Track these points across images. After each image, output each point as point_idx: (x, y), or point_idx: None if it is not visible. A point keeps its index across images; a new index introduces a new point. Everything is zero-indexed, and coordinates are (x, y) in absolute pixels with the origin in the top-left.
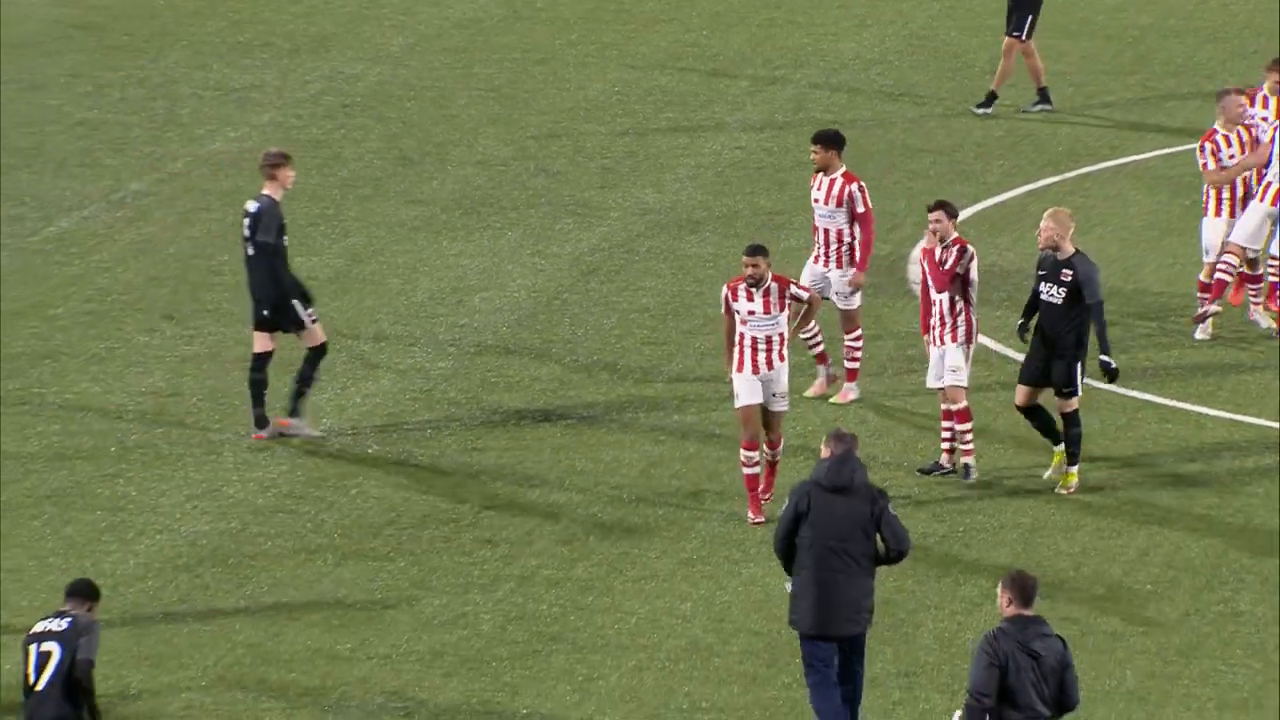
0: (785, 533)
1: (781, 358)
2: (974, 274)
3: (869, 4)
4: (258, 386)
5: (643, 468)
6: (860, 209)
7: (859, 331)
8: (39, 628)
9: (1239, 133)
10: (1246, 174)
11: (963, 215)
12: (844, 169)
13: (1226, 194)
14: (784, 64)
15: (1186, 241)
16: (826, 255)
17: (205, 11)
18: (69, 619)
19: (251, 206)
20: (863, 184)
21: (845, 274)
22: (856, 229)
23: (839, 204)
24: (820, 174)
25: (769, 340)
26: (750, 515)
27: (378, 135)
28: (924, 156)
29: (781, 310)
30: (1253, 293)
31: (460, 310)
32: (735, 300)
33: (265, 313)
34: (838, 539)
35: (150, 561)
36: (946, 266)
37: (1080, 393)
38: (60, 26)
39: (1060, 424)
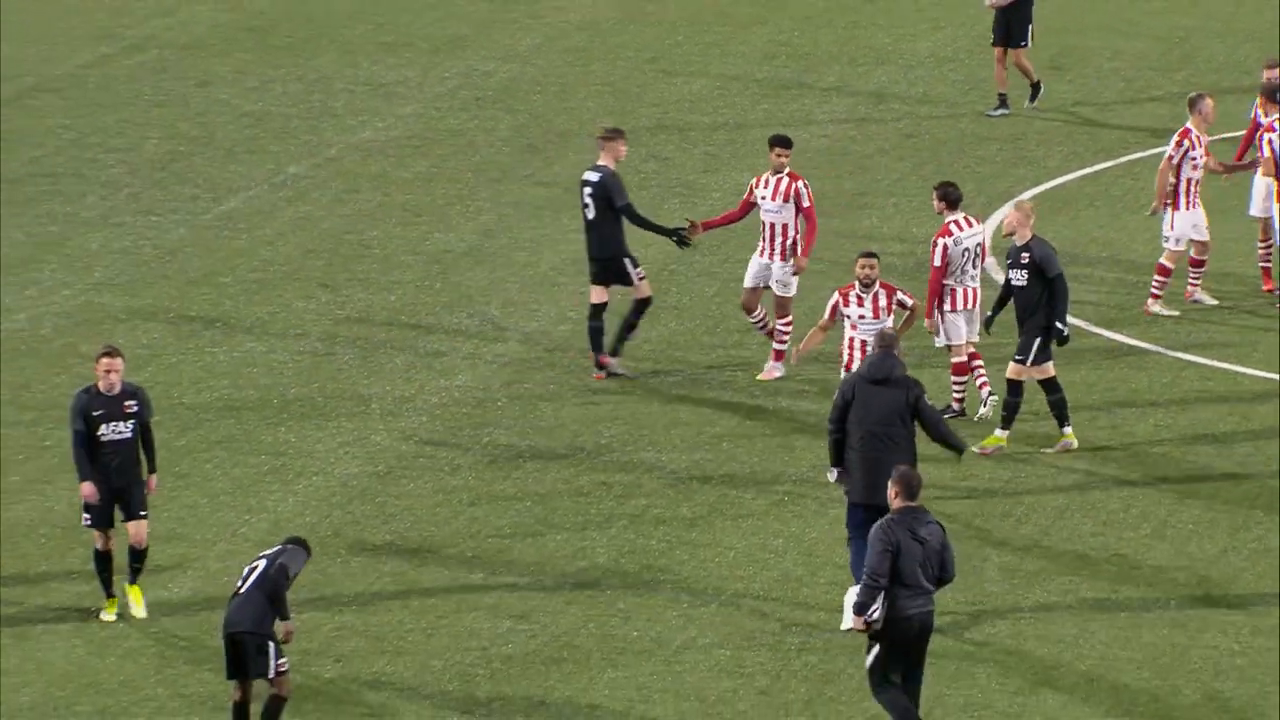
0: (836, 418)
1: None
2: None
3: (943, 8)
4: (595, 334)
5: (740, 419)
6: (806, 203)
7: (790, 317)
8: (258, 555)
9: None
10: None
11: (1024, 196)
12: (790, 169)
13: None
14: (866, 61)
15: (1223, 220)
16: (771, 248)
17: (355, 15)
18: (280, 546)
19: (592, 176)
20: (806, 181)
21: (787, 265)
22: (801, 222)
23: (786, 199)
24: (770, 174)
25: None
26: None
27: (507, 125)
28: (990, 144)
29: (888, 315)
30: (1194, 275)
31: (579, 280)
32: (846, 306)
33: (603, 269)
34: (880, 423)
35: (307, 500)
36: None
37: (1029, 363)
38: (228, 30)
39: (1049, 394)
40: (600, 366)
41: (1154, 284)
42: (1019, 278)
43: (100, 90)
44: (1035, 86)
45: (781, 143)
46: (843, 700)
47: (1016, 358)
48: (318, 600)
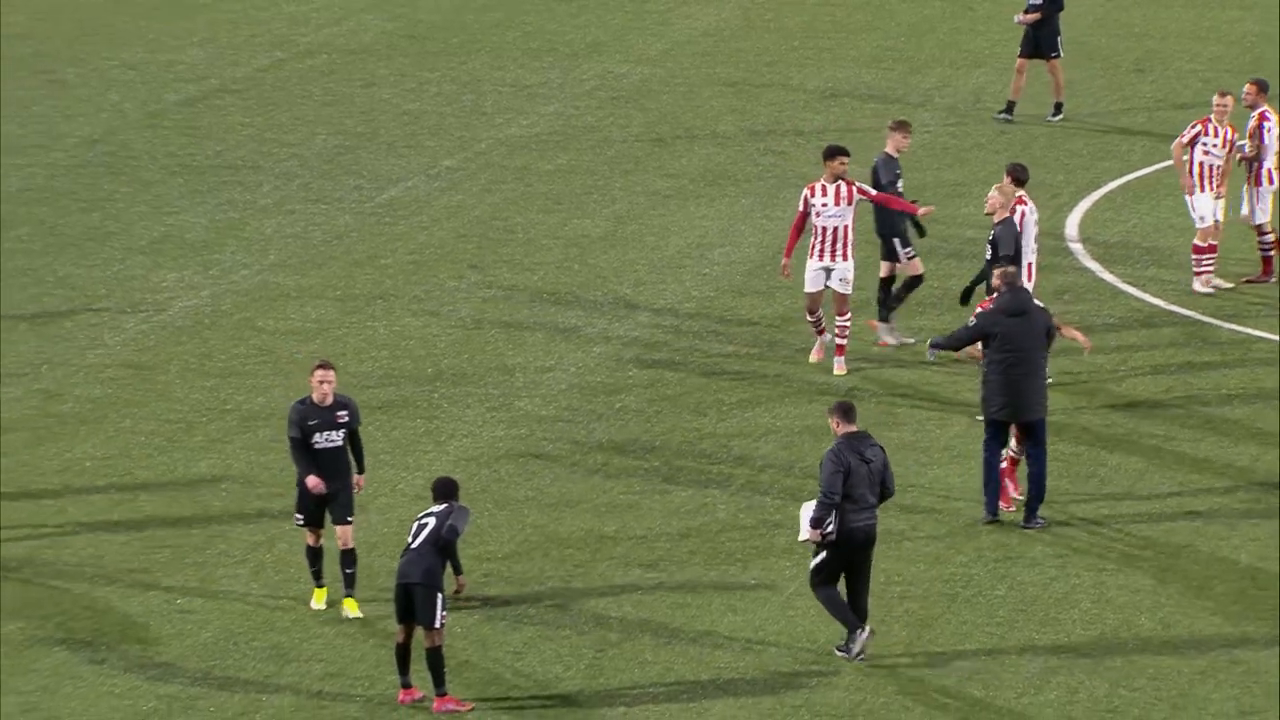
0: (969, 337)
1: None
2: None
3: None
4: (881, 303)
5: (847, 388)
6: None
7: (849, 314)
8: (424, 512)
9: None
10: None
11: (1109, 187)
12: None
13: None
14: (964, 64)
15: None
16: (832, 251)
17: (503, 24)
18: (447, 505)
19: (876, 160)
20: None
21: (849, 263)
22: (872, 209)
23: (849, 202)
24: (827, 182)
25: None
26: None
27: (639, 122)
28: (1079, 138)
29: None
30: (1209, 264)
31: (703, 262)
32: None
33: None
34: (1022, 350)
35: (458, 460)
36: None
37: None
38: (391, 37)
39: None
40: (890, 334)
41: (1193, 264)
42: (988, 254)
43: (276, 91)
44: (1058, 106)
45: (843, 152)
46: (939, 644)
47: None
48: (466, 549)
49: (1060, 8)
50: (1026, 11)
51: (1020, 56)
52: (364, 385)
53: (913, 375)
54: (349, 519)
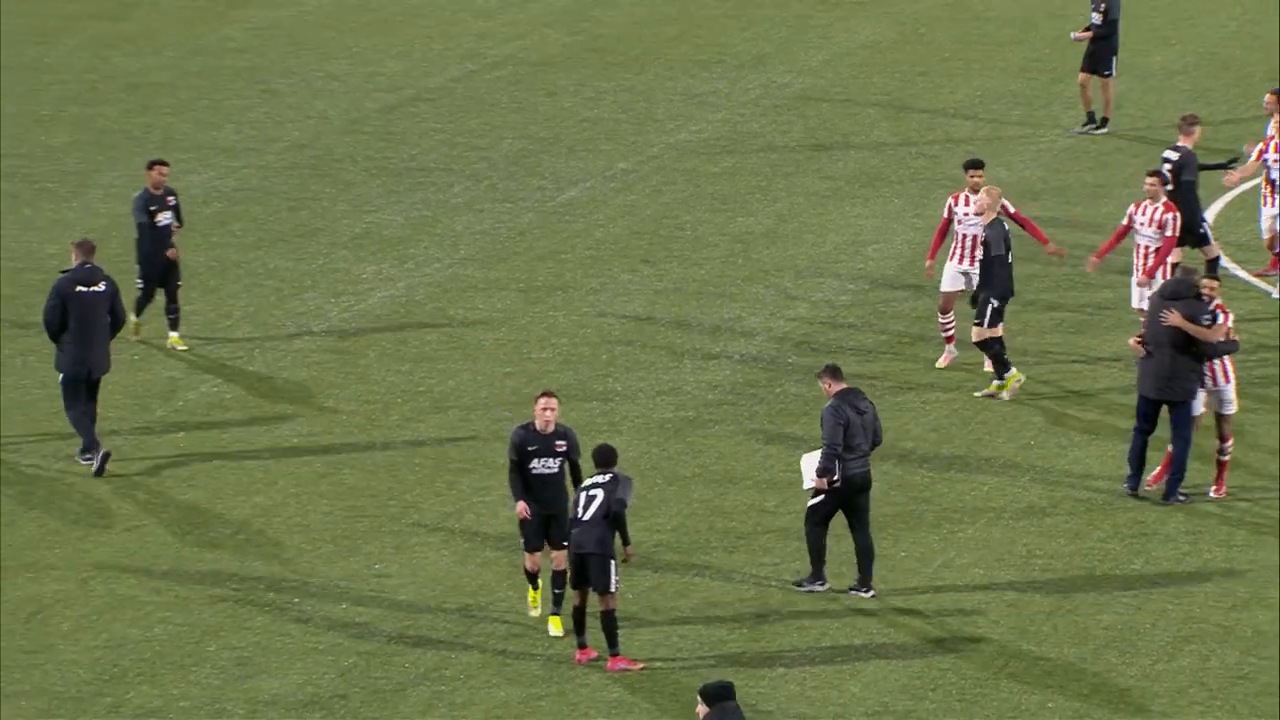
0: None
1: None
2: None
3: (1173, 27)
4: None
5: (993, 375)
6: (1012, 209)
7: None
8: (588, 482)
9: None
10: None
11: (1241, 189)
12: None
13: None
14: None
15: None
16: (972, 256)
17: (676, 38)
18: (610, 474)
19: (1171, 155)
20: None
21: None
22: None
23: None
24: (968, 193)
25: None
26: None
27: (799, 128)
28: (1211, 145)
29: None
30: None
31: (858, 258)
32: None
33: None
34: (1171, 332)
35: (630, 438)
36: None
37: (985, 326)
38: (572, 49)
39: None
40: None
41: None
42: (980, 253)
43: (466, 99)
44: (1090, 116)
45: (975, 165)
46: (1080, 612)
47: (975, 320)
48: (636, 522)
49: (1115, 29)
50: (1085, 29)
51: (1081, 71)
52: (545, 370)
53: (1048, 370)
54: (565, 543)
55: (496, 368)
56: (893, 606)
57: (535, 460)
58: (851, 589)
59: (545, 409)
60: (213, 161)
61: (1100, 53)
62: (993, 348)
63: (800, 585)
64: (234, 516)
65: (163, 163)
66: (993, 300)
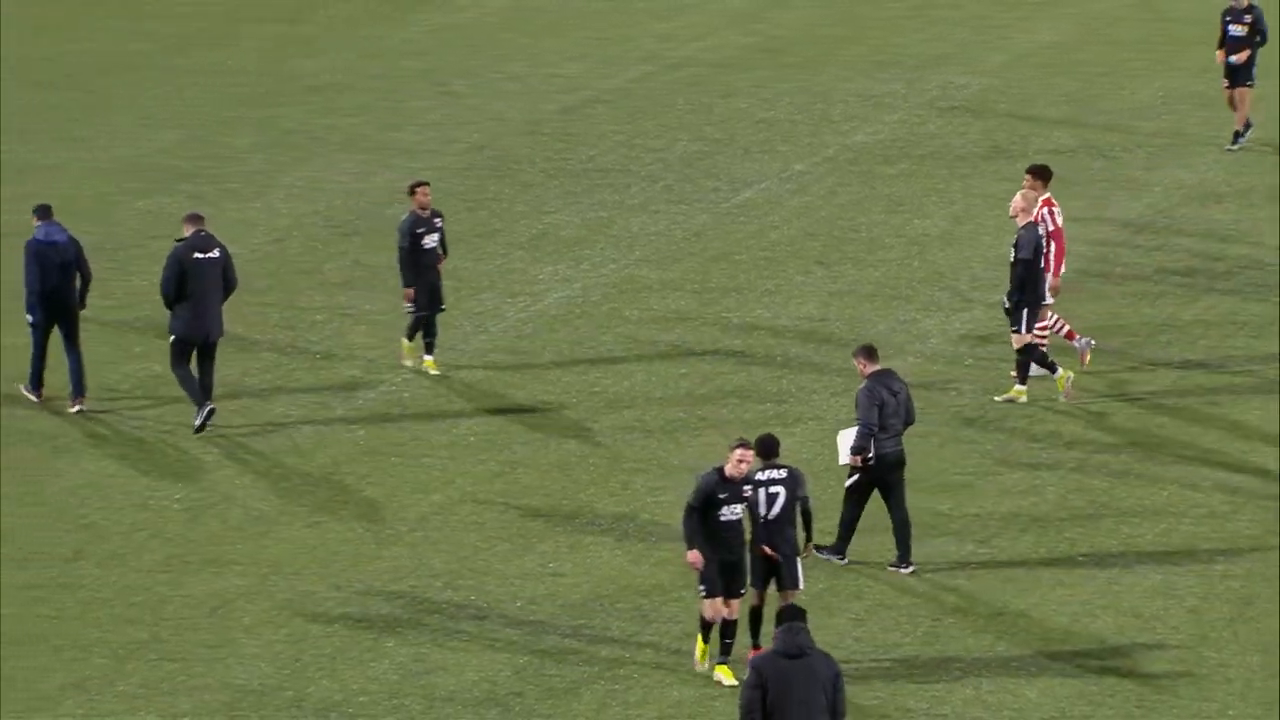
0: None
1: None
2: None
3: None
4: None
5: (1171, 381)
6: (1052, 228)
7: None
8: (762, 476)
9: None
10: None
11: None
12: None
13: None
14: None
15: None
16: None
17: (852, 39)
18: (784, 469)
19: None
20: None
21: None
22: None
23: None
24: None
25: None
26: None
27: (977, 130)
28: None
29: None
30: None
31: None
32: None
33: None
34: None
35: (804, 440)
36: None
37: (1022, 332)
38: (749, 51)
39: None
40: None
41: None
42: (1011, 256)
43: (644, 101)
44: (1238, 133)
45: (1028, 171)
46: (1262, 620)
47: (1011, 329)
48: (818, 523)
49: (1264, 43)
50: (1233, 47)
51: (1225, 89)
52: (718, 371)
53: (1227, 377)
54: (741, 591)
55: (670, 369)
56: (1069, 612)
57: (724, 508)
58: (891, 565)
59: (741, 461)
60: (393, 163)
61: (1247, 64)
62: (1033, 353)
63: (821, 550)
64: (411, 514)
65: (424, 183)
66: (1027, 306)
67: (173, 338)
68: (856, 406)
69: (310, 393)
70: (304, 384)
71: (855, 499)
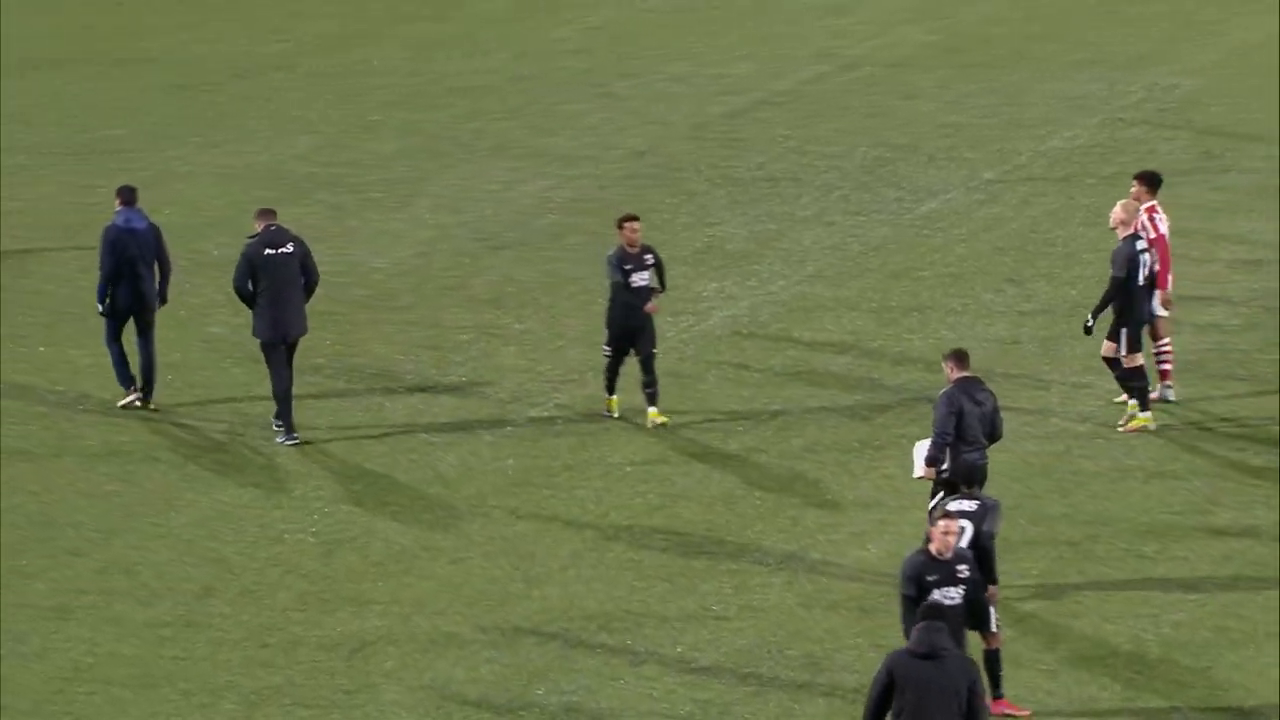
0: None
1: None
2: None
3: None
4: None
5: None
6: (1154, 235)
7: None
8: (952, 507)
9: None
10: None
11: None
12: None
13: None
14: None
15: None
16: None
17: (1045, 35)
18: (975, 501)
19: None
20: None
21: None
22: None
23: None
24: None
25: None
26: None
27: (1186, 135)
28: None
29: None
30: None
31: (1254, 277)
32: None
33: None
34: None
35: (994, 474)
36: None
37: (1125, 352)
38: (932, 49)
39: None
40: None
41: None
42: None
43: (817, 103)
44: None
45: (1139, 178)
46: None
47: (1117, 353)
48: (1000, 564)
49: None
50: None
51: None
52: (898, 398)
53: None
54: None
55: (845, 395)
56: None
57: (935, 591)
58: None
59: (947, 533)
60: (547, 170)
61: None
62: (1136, 378)
63: None
64: (563, 551)
65: (633, 218)
66: (1125, 326)
67: (260, 343)
68: (934, 413)
69: (455, 419)
70: (449, 409)
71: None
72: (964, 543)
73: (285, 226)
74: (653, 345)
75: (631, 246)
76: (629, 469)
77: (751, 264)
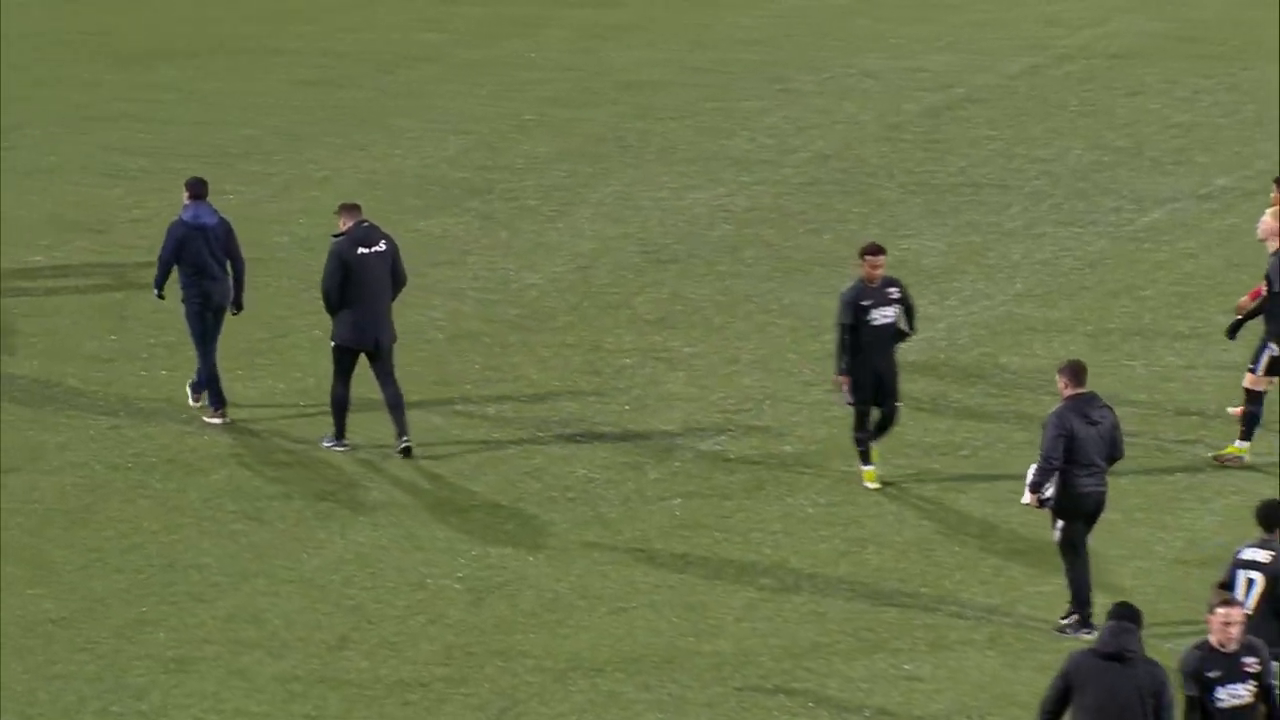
0: None
1: None
2: None
3: None
4: None
5: None
6: None
7: None
8: (1246, 555)
9: None
10: None
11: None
12: None
13: None
14: None
15: None
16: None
17: None
18: (1273, 551)
19: None
20: None
21: None
22: None
23: None
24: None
25: None
26: None
27: None
28: None
29: None
30: None
31: None
32: None
33: None
34: None
35: (1225, 520)
36: None
37: (1257, 372)
38: (1159, 39)
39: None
40: None
41: None
42: (1265, 286)
43: (1028, 100)
44: None
45: None
46: None
47: (1249, 366)
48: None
49: None
50: None
51: None
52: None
53: None
54: None
55: None
56: None
57: (1219, 688)
58: (1063, 622)
59: (1227, 624)
60: (721, 176)
61: None
62: (1253, 402)
63: (1063, 630)
64: (737, 601)
65: (877, 249)
66: (1271, 345)
67: (334, 344)
68: (1042, 434)
69: (618, 452)
70: (610, 441)
71: (1072, 551)
72: (1251, 596)
73: (375, 224)
74: (894, 397)
75: (871, 281)
76: (811, 510)
77: (951, 280)
